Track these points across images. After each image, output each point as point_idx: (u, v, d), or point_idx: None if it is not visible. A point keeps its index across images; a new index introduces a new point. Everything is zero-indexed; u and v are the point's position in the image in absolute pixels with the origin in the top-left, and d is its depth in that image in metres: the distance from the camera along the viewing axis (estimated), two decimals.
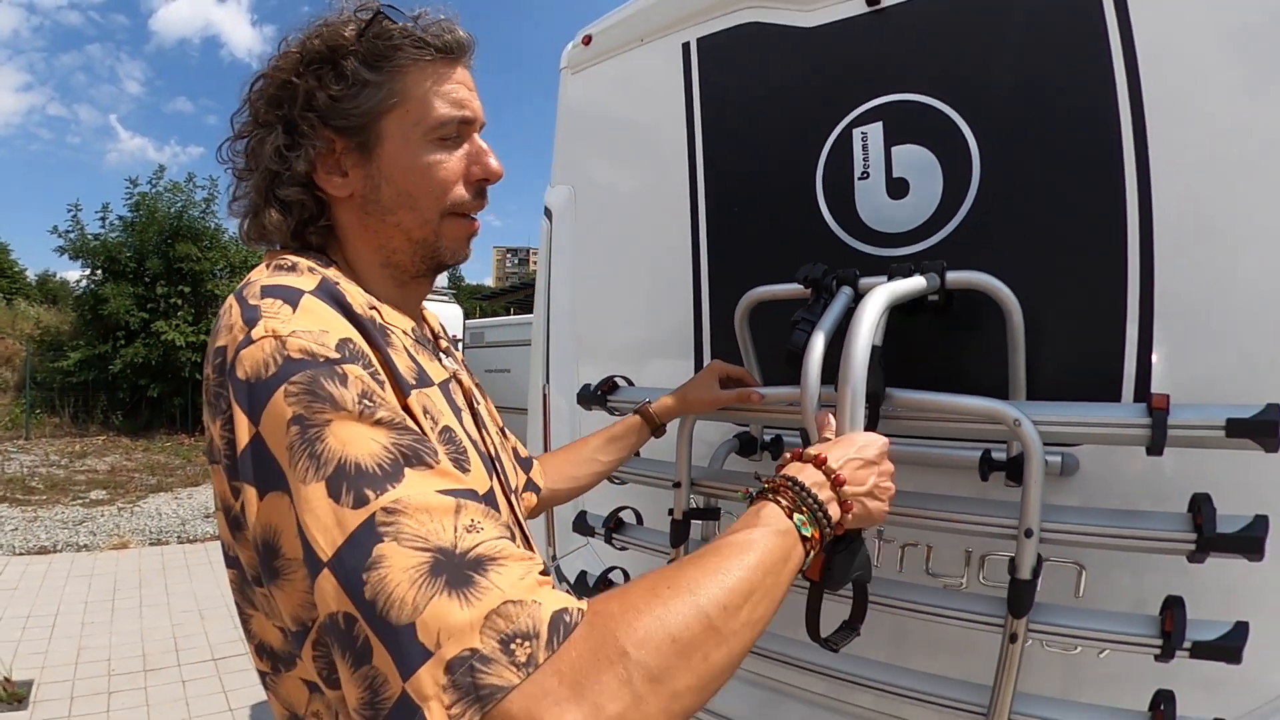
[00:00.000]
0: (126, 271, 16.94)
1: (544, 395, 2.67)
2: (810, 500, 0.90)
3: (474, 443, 0.99)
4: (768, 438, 1.92)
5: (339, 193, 0.97)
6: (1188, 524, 1.23)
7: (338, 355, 0.76)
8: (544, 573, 0.71)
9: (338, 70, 0.92)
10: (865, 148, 1.84)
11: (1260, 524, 1.20)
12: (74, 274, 17.43)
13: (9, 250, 32.32)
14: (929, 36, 1.80)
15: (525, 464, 1.45)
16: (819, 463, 0.95)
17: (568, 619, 0.67)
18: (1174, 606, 1.27)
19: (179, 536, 8.24)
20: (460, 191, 1.00)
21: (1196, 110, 1.48)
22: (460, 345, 15.55)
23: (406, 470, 0.71)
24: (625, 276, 2.46)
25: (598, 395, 1.95)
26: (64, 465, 12.81)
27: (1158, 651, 1.25)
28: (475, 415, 1.09)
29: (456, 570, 0.66)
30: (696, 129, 2.22)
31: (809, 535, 0.87)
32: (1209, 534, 1.20)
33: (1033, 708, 1.34)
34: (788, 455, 1.01)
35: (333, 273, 0.93)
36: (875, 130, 1.83)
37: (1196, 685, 1.40)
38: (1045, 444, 1.34)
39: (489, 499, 0.94)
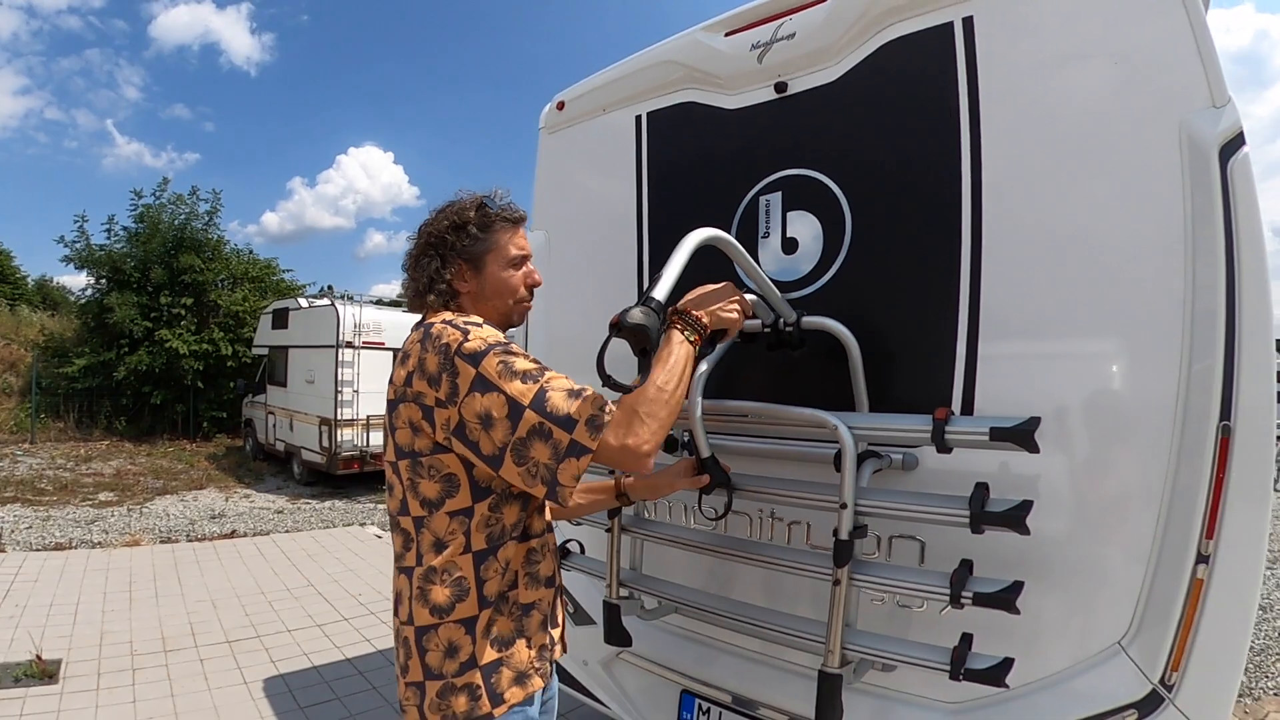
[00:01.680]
0: (131, 281, 17.44)
1: None
2: (689, 320, 1.72)
3: None
4: (685, 439, 2.42)
5: (463, 289, 1.80)
6: (963, 504, 1.71)
7: (506, 341, 1.63)
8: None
9: (467, 233, 1.77)
10: (768, 213, 2.34)
11: (1024, 506, 1.68)
12: (73, 280, 18.04)
13: (11, 257, 32.66)
14: (820, 121, 2.29)
15: None
16: (689, 307, 1.76)
17: (613, 407, 1.55)
18: (961, 567, 1.75)
19: (188, 535, 8.72)
20: (522, 292, 1.87)
21: (1025, 200, 1.93)
22: None
23: (545, 371, 1.58)
24: (588, 307, 2.95)
25: None
26: (70, 468, 13.27)
27: (947, 599, 1.73)
28: None
29: (577, 394, 1.54)
30: (644, 188, 2.73)
31: (693, 339, 1.70)
32: (975, 511, 1.68)
33: (862, 640, 1.83)
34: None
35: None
36: (776, 198, 2.34)
37: (1035, 639, 1.90)
38: (883, 445, 1.83)
39: None
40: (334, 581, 6.86)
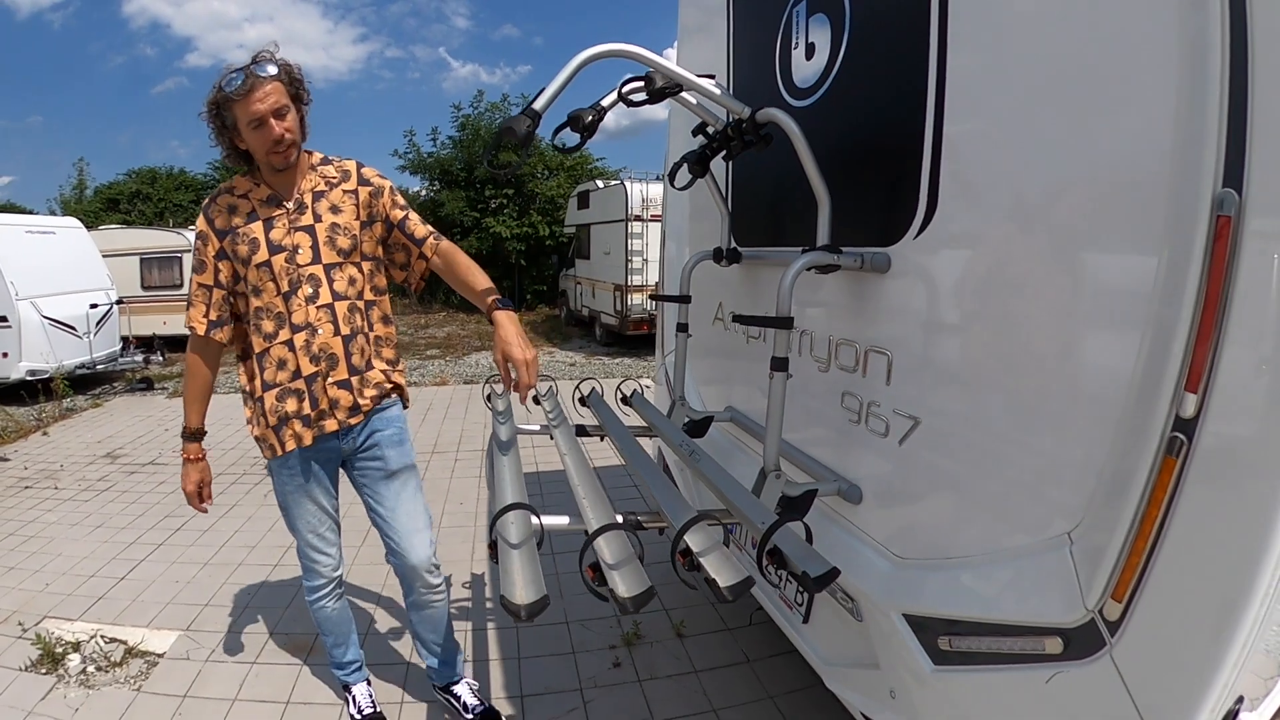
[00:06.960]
0: (458, 180, 20.49)
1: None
2: None
3: (270, 243, 2.27)
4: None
5: (242, 146, 2.22)
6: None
7: (199, 234, 2.31)
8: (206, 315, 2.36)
9: (219, 113, 2.16)
10: (797, 23, 2.39)
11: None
12: (413, 186, 21.82)
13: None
14: None
15: (420, 242, 2.70)
16: None
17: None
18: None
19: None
20: (267, 145, 2.16)
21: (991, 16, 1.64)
22: None
23: (193, 275, 2.34)
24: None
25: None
26: (409, 334, 16.00)
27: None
28: (296, 228, 2.31)
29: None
30: (730, 28, 2.90)
31: None
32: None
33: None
34: None
35: (239, 179, 2.33)
36: (803, 8, 2.37)
37: None
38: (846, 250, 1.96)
39: (260, 267, 2.26)
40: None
